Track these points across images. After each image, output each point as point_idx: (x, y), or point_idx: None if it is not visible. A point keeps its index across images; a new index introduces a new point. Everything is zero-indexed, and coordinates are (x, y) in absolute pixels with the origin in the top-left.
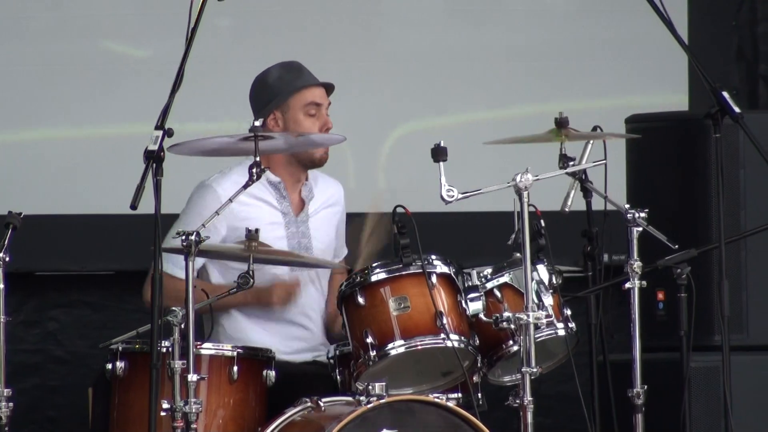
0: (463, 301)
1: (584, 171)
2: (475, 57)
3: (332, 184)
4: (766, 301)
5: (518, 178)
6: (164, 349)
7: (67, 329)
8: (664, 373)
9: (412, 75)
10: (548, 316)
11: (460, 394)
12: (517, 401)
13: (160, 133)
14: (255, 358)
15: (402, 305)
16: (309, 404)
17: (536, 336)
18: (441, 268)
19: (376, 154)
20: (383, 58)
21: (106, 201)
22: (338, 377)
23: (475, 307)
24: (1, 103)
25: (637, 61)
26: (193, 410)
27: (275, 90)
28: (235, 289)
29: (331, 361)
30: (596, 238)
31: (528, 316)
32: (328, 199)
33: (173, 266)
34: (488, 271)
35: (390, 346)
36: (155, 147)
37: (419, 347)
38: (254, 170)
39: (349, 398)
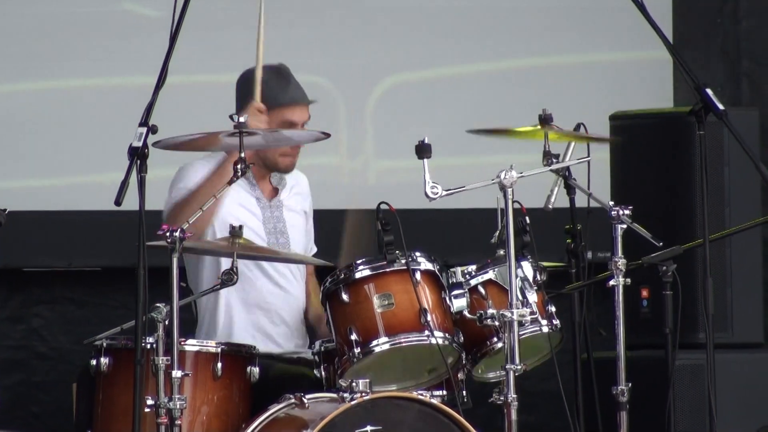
0: (447, 298)
1: (568, 168)
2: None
3: (298, 174)
4: (751, 299)
5: (502, 175)
6: (148, 346)
7: (51, 325)
8: (649, 370)
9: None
10: (533, 313)
11: (444, 391)
12: (502, 398)
13: (144, 129)
14: (239, 355)
15: (386, 302)
16: (293, 401)
17: (520, 333)
18: (425, 264)
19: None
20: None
21: (91, 197)
22: (323, 374)
23: (459, 304)
24: None
25: (622, 58)
26: (178, 406)
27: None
28: (219, 286)
29: (316, 357)
30: (580, 235)
31: (512, 313)
32: (295, 186)
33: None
34: (472, 268)
35: (374, 343)
36: (139, 144)
37: (403, 344)
38: (239, 166)
39: (333, 395)
